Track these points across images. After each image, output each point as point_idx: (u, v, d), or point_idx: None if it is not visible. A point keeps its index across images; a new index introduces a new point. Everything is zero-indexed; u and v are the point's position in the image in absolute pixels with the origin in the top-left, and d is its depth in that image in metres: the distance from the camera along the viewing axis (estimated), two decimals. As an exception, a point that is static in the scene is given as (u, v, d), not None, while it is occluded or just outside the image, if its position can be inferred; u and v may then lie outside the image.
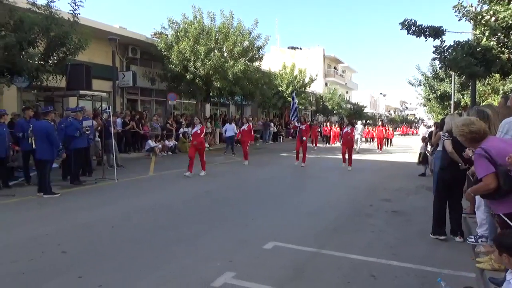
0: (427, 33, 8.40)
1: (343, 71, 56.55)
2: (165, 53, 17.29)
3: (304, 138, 13.09)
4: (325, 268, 4.22)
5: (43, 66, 10.36)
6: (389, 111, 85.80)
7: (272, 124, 27.09)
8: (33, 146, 8.79)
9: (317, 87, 39.14)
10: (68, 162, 9.15)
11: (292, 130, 25.72)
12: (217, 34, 18.03)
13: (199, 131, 10.74)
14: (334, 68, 52.31)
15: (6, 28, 9.54)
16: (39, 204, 7.05)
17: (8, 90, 11.63)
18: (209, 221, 6.04)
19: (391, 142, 25.91)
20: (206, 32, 17.81)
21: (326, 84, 46.96)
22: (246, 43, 18.74)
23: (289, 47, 49.06)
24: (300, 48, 48.96)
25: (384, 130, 22.79)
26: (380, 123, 23.89)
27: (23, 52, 9.69)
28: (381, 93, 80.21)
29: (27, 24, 9.55)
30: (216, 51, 17.43)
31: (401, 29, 8.66)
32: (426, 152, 11.25)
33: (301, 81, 29.75)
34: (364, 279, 3.95)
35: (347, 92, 55.25)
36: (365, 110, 51.87)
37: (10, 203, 7.11)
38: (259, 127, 25.33)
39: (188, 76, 17.13)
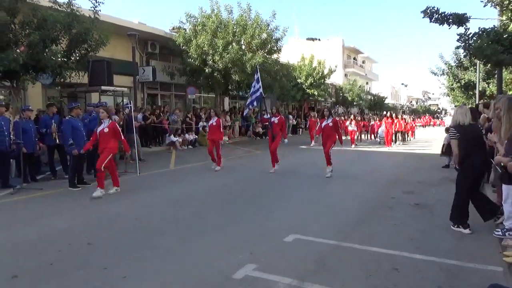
0: (450, 20, 8.16)
1: (363, 62, 55.60)
2: (183, 47, 17.39)
3: (275, 135, 10.07)
4: (346, 261, 4.20)
5: (66, 63, 10.60)
6: (411, 101, 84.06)
7: (291, 116, 26.94)
8: (57, 141, 9.07)
9: (336, 79, 38.66)
10: (91, 156, 9.36)
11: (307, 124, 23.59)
12: (235, 27, 18.00)
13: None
14: (354, 58, 51.49)
15: (30, 26, 9.80)
16: (65, 197, 7.26)
17: (33, 87, 11.96)
18: (229, 213, 6.09)
19: (411, 135, 23.46)
20: (224, 25, 17.81)
21: (345, 75, 46.32)
22: (264, 36, 18.64)
23: (308, 39, 48.52)
24: (319, 39, 48.36)
25: (398, 123, 19.63)
26: (389, 114, 19.26)
27: (47, 50, 9.93)
28: (402, 84, 78.61)
29: (50, 22, 9.77)
30: (234, 44, 17.41)
31: (423, 17, 8.45)
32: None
33: (320, 73, 29.43)
34: (387, 272, 3.90)
35: (367, 83, 54.38)
36: (386, 101, 50.95)
37: (37, 196, 7.35)
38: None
39: (206, 70, 17.20)
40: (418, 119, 49.19)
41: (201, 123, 17.68)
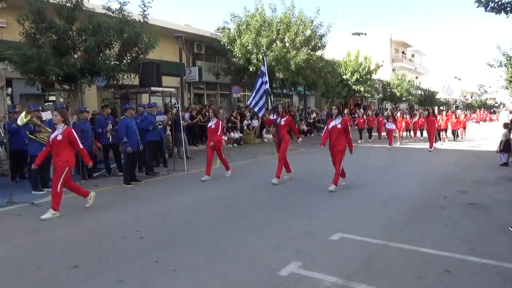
0: (508, 8, 7.63)
1: (412, 55, 53.33)
2: (228, 47, 17.66)
3: (282, 138, 8.49)
4: (394, 261, 4.10)
5: (118, 66, 11.16)
6: (465, 96, 79.41)
7: (359, 112, 26.46)
8: (110, 140, 9.59)
9: (384, 74, 37.40)
10: (142, 154, 9.81)
11: (355, 121, 20.94)
12: (279, 25, 17.99)
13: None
14: (402, 52, 49.53)
15: (86, 33, 10.43)
16: (120, 193, 7.68)
17: (89, 89, 12.73)
18: (275, 211, 6.13)
19: (462, 132, 20.61)
20: (268, 24, 17.86)
21: (393, 70, 44.68)
22: (308, 32, 18.47)
23: (353, 33, 47.35)
24: (365, 34, 47.03)
25: (440, 120, 17.07)
26: (430, 110, 15.84)
27: (101, 54, 10.53)
28: (455, 77, 74.37)
29: (104, 28, 10.34)
30: (278, 42, 17.42)
31: (477, 6, 7.98)
32: (510, 139, 10.30)
33: (367, 68, 28.65)
34: (438, 274, 3.76)
35: (417, 78, 52.11)
36: (438, 96, 48.52)
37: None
38: (323, 117, 24.93)
39: (251, 69, 17.35)
40: (472, 115, 45.63)
41: (245, 122, 17.96)
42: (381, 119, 19.38)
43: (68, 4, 10.38)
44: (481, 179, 8.57)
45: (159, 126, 10.11)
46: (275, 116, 8.81)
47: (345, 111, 21.75)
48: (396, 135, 17.29)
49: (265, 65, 9.25)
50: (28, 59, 9.52)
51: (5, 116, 9.06)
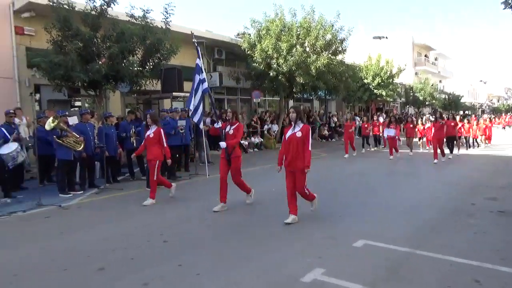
0: (537, 9, 7.39)
1: (435, 59, 52.27)
2: (248, 52, 17.73)
3: (230, 154, 6.54)
4: (421, 269, 3.99)
5: (141, 72, 11.37)
6: (491, 99, 77.16)
7: (358, 118, 26.19)
8: (135, 145, 9.75)
9: (406, 78, 36.78)
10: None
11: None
12: (299, 30, 17.96)
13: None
14: (425, 56, 48.62)
15: (110, 40, 10.68)
16: (144, 197, 7.76)
17: (113, 95, 13.01)
18: (298, 216, 6.08)
19: (485, 139, 18.60)
20: (288, 29, 17.85)
21: (416, 73, 43.90)
22: (328, 37, 18.35)
23: (374, 37, 46.66)
24: (386, 37, 46.36)
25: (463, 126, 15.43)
26: (438, 114, 14.02)
27: (125, 61, 10.75)
28: (481, 80, 72.41)
29: (127, 35, 10.57)
30: (298, 46, 17.37)
31: (504, 8, 7.75)
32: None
33: (388, 72, 28.23)
34: (467, 284, 3.64)
35: (440, 81, 50.99)
36: (463, 100, 47.33)
37: (119, 196, 7.98)
38: (344, 121, 24.64)
39: (271, 74, 17.36)
40: (497, 119, 43.33)
41: (266, 126, 17.98)
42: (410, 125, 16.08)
43: (93, 12, 10.67)
44: (511, 186, 8.28)
45: (180, 131, 10.22)
46: (219, 124, 7.05)
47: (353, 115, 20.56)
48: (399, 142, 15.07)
49: (200, 57, 7.42)
50: (55, 66, 9.81)
51: (34, 121, 9.35)
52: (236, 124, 6.73)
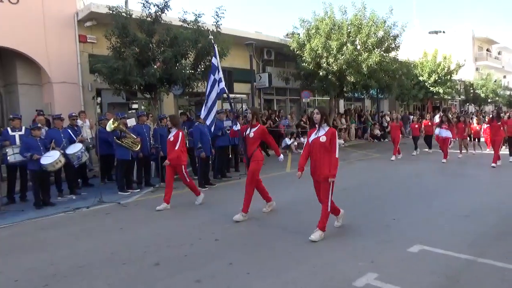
0: None
1: (499, 53, 48.65)
2: (297, 52, 17.64)
3: (250, 157, 6.14)
4: (485, 278, 3.74)
5: (193, 75, 11.72)
6: None
7: (412, 117, 25.10)
8: (187, 145, 10.07)
9: (466, 74, 34.62)
10: (213, 159, 10.16)
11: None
12: (349, 27, 17.56)
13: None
14: (487, 50, 45.44)
15: (164, 44, 11.13)
16: (196, 196, 8.00)
17: (167, 97, 13.54)
18: (349, 218, 5.95)
19: None
20: (338, 27, 17.51)
21: (477, 69, 41.16)
22: (380, 33, 17.75)
23: (430, 32, 44.54)
24: (443, 32, 44.00)
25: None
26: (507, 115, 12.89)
27: (178, 64, 11.16)
28: (552, 74, 66.26)
29: (180, 39, 10.96)
30: (348, 44, 16.98)
31: None
32: None
33: (446, 68, 26.75)
34: (538, 297, 3.36)
35: (504, 77, 47.37)
36: (531, 96, 43.67)
37: (173, 194, 8.24)
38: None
39: (321, 73, 17.14)
40: None
41: (315, 126, 17.78)
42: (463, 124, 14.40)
43: (149, 19, 11.17)
44: None
45: (227, 132, 10.39)
46: (238, 126, 6.58)
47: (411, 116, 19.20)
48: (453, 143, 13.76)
49: (217, 55, 6.85)
50: (114, 71, 10.40)
51: (96, 123, 9.98)
52: (257, 127, 6.15)
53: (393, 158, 12.78)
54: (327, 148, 4.99)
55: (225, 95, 6.93)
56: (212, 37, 7.96)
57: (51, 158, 7.34)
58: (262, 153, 6.34)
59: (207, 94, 6.84)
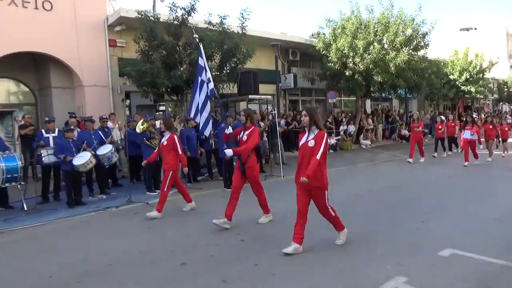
0: None
1: (535, 49, 46.49)
2: (323, 52, 17.49)
3: (245, 163, 5.77)
4: (520, 285, 3.60)
5: (219, 76, 11.84)
6: None
7: (442, 117, 24.37)
8: (213, 146, 10.19)
9: (499, 72, 33.26)
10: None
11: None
12: (376, 26, 17.25)
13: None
14: (523, 46, 43.52)
15: (191, 47, 11.29)
16: (222, 197, 8.07)
17: (193, 99, 13.71)
18: (378, 221, 5.86)
19: None
20: (364, 26, 17.24)
21: (511, 66, 39.50)
22: (409, 31, 17.34)
23: (461, 29, 43.02)
24: (475, 28, 42.42)
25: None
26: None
27: (204, 66, 11.29)
28: None
29: (206, 41, 11.08)
30: (375, 43, 16.69)
31: None
32: None
33: (478, 66, 25.80)
34: None
35: (542, 74, 45.26)
36: None
37: (198, 195, 8.36)
38: (427, 121, 23.13)
39: (347, 73, 16.92)
40: None
41: (342, 127, 17.58)
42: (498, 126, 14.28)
43: (176, 22, 11.37)
44: None
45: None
46: (230, 129, 6.29)
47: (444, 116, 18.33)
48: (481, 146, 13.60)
49: (203, 55, 6.51)
50: (143, 74, 10.65)
51: (125, 125, 10.24)
52: (251, 129, 5.77)
53: (410, 160, 12.07)
54: (311, 154, 4.52)
55: (214, 97, 6.82)
56: (196, 35, 7.56)
57: (82, 159, 7.59)
58: (256, 158, 5.96)
59: (194, 95, 6.64)
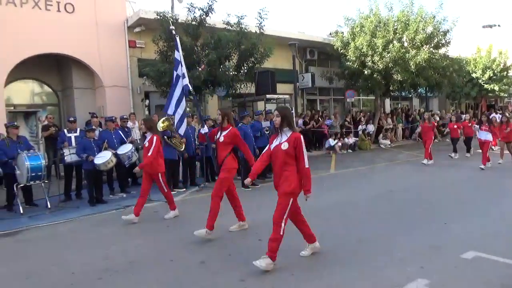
0: None
1: None
2: (341, 51, 17.32)
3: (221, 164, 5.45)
4: (548, 290, 3.48)
5: (237, 76, 11.89)
6: None
7: (464, 116, 23.81)
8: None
9: (524, 69, 32.23)
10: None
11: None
12: (396, 24, 16.98)
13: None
14: (549, 43, 42.08)
15: (209, 47, 11.38)
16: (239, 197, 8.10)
17: (211, 99, 13.82)
18: (397, 222, 5.77)
19: None
20: (383, 24, 16.99)
21: (537, 64, 38.24)
22: (429, 29, 16.99)
23: (484, 26, 41.90)
24: (499, 25, 41.24)
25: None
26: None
27: (221, 66, 11.36)
28: None
29: (224, 41, 11.15)
30: (395, 42, 16.43)
31: None
32: None
33: (502, 64, 25.09)
34: None
35: None
36: None
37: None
38: (446, 120, 22.65)
39: (366, 72, 16.71)
40: None
41: (360, 127, 17.39)
42: None
43: (194, 23, 11.47)
44: None
45: (266, 132, 10.42)
46: (206, 129, 6.16)
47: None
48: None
49: (179, 48, 6.33)
50: (161, 74, 10.79)
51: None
52: (229, 130, 5.37)
53: (424, 161, 11.68)
54: (289, 155, 4.13)
55: (191, 96, 6.59)
56: (173, 27, 7.26)
57: (103, 158, 7.74)
58: (235, 160, 5.55)
59: (172, 90, 6.47)
